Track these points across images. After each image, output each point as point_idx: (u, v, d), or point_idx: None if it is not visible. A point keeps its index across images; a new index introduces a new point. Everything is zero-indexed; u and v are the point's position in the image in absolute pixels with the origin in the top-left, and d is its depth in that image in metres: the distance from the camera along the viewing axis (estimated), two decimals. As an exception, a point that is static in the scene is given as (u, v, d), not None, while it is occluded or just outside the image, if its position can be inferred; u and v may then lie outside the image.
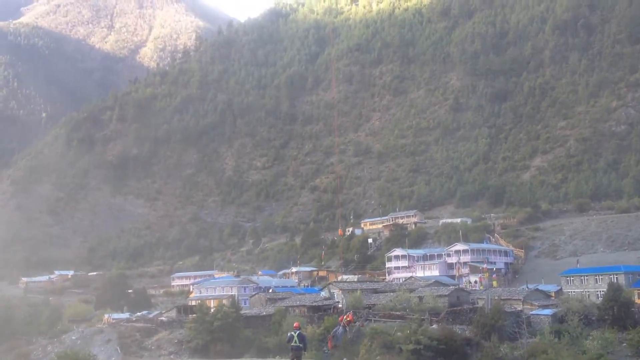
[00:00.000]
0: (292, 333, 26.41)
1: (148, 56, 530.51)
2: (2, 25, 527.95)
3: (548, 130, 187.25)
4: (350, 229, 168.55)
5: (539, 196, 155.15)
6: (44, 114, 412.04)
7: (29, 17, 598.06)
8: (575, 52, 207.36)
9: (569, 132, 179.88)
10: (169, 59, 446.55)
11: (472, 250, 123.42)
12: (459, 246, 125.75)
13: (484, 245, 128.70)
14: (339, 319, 38.15)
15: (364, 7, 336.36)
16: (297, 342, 26.10)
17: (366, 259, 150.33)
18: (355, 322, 35.27)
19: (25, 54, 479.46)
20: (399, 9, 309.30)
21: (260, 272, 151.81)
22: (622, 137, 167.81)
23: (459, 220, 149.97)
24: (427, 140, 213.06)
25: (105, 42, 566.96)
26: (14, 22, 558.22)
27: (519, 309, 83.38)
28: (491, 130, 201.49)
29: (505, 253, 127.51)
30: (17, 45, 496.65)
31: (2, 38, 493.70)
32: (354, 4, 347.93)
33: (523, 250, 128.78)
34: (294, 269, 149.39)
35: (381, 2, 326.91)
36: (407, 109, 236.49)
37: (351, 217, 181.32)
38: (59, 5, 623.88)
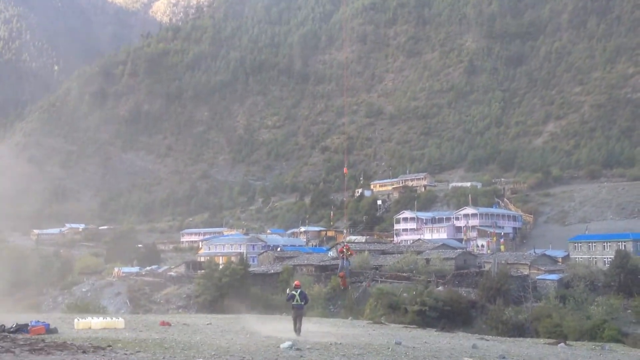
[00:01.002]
0: (294, 292, 26.58)
1: (161, 11, 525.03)
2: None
3: (563, 95, 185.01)
4: (360, 190, 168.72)
5: (551, 162, 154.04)
6: (56, 67, 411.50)
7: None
8: (593, 16, 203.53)
9: (584, 98, 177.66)
10: (182, 14, 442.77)
11: (481, 215, 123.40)
12: (468, 210, 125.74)
13: (493, 210, 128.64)
14: (339, 250, 38.98)
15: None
16: (299, 300, 26.27)
17: (375, 220, 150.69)
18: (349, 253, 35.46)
19: (39, 6, 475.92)
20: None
21: (269, 231, 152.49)
22: (637, 104, 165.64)
23: (468, 184, 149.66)
24: (440, 102, 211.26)
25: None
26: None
27: (526, 273, 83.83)
28: (505, 94, 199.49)
29: (514, 218, 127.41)
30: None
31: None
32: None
33: (532, 216, 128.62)
34: (302, 229, 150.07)
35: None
36: (420, 71, 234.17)
37: (361, 178, 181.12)
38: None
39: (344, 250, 35.60)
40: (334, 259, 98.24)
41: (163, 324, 31.71)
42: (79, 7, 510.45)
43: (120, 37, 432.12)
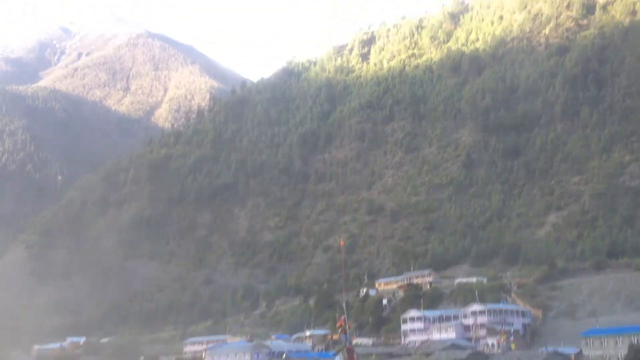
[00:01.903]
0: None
1: (163, 117, 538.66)
2: (21, 89, 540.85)
3: (562, 185, 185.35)
4: (364, 290, 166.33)
5: (555, 253, 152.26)
6: (59, 177, 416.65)
7: (47, 81, 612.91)
8: (586, 106, 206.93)
9: (583, 187, 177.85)
10: (183, 119, 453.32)
11: (489, 311, 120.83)
12: (476, 307, 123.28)
13: (501, 306, 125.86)
14: (338, 324, 38.63)
15: (375, 65, 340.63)
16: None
17: (381, 321, 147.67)
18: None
19: (43, 117, 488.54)
20: (409, 66, 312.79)
21: (273, 336, 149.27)
22: (637, 191, 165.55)
23: (474, 279, 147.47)
24: (440, 197, 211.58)
25: (121, 104, 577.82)
26: (32, 86, 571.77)
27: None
28: (504, 187, 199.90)
29: (523, 314, 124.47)
30: (35, 108, 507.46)
31: (21, 102, 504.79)
32: (365, 62, 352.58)
33: (541, 310, 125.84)
34: (307, 333, 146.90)
35: (392, 60, 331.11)
36: (419, 166, 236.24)
37: (365, 277, 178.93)
38: (76, 69, 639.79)
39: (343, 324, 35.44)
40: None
41: None
42: (82, 116, 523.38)
43: (123, 145, 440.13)
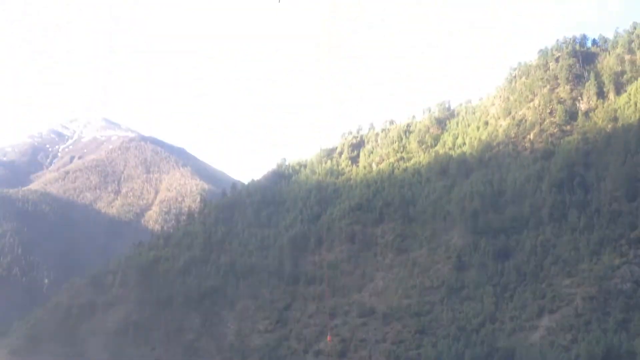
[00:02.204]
0: None
1: (153, 219, 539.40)
2: (11, 192, 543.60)
3: (553, 288, 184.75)
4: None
5: (550, 358, 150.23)
6: (46, 280, 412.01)
7: (38, 184, 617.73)
8: (573, 209, 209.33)
9: (575, 290, 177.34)
10: (173, 221, 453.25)
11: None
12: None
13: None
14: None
15: (364, 168, 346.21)
16: None
17: None
18: None
19: (32, 221, 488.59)
20: (398, 169, 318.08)
21: None
22: (628, 295, 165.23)
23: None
24: (432, 299, 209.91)
25: (112, 207, 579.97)
26: (23, 189, 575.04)
27: None
28: (496, 289, 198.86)
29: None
30: (25, 211, 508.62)
31: (11, 205, 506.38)
32: (354, 165, 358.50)
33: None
34: None
35: (381, 163, 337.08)
36: (410, 268, 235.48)
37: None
38: (68, 172, 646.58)
39: None
40: None
41: None
42: (71, 219, 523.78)
43: (113, 247, 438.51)
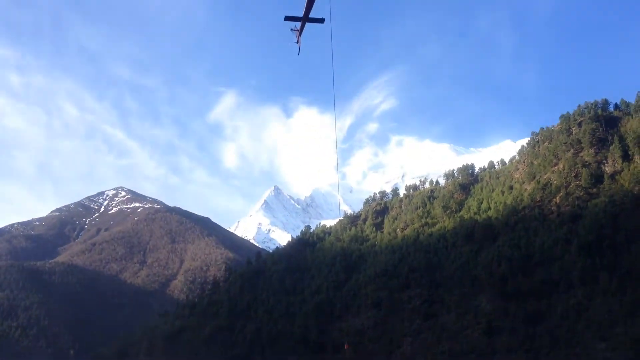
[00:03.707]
0: None
1: (178, 288, 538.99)
2: (38, 265, 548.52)
3: (588, 352, 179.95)
4: None
5: None
6: (72, 352, 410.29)
7: (64, 256, 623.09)
8: (604, 272, 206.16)
9: (610, 354, 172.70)
10: (198, 290, 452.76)
11: None
12: None
13: None
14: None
15: (389, 234, 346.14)
16: None
17: None
18: None
19: (58, 292, 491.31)
20: (423, 234, 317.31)
21: None
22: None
23: None
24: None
25: (137, 277, 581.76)
26: (50, 261, 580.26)
27: None
28: (528, 355, 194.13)
29: None
30: (51, 283, 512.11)
31: (38, 277, 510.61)
32: (379, 232, 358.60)
33: None
34: None
35: (405, 229, 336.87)
36: (438, 333, 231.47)
37: None
38: (94, 244, 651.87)
39: None
40: None
41: None
42: (97, 290, 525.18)
43: (138, 317, 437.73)
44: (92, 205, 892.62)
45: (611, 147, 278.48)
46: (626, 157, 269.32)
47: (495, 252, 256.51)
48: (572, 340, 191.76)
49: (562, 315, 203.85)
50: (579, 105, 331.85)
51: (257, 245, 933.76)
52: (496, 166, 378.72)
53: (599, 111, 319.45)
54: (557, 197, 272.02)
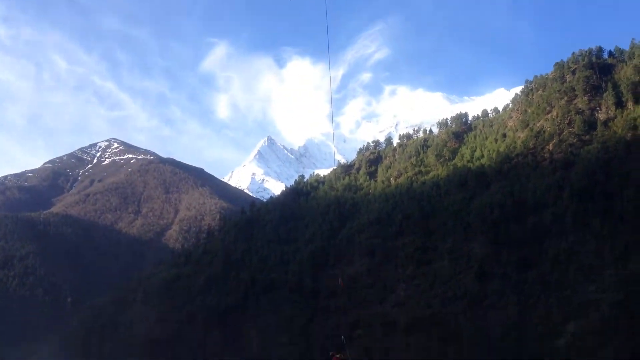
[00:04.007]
0: None
1: (173, 238, 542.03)
2: (33, 216, 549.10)
3: (578, 295, 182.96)
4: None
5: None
6: (69, 300, 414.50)
7: (59, 207, 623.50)
8: (596, 217, 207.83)
9: (601, 296, 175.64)
10: (193, 239, 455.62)
11: None
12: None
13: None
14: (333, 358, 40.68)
15: (383, 183, 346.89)
16: None
17: None
18: None
19: (54, 242, 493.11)
20: (416, 183, 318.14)
21: None
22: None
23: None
24: (455, 310, 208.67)
25: (132, 227, 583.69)
26: (44, 212, 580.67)
27: None
28: (520, 298, 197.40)
29: None
30: (47, 233, 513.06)
31: (33, 228, 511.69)
32: (372, 181, 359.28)
33: None
34: None
35: (399, 178, 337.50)
36: (431, 279, 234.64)
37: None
38: (88, 195, 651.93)
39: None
40: None
41: None
42: (92, 240, 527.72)
43: (134, 267, 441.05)
44: (84, 157, 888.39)
45: (605, 94, 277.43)
46: (620, 104, 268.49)
47: (488, 199, 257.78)
48: (563, 284, 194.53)
49: (553, 260, 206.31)
50: (573, 53, 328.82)
51: (251, 195, 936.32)
52: (490, 114, 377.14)
53: (593, 59, 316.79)
54: (550, 145, 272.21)
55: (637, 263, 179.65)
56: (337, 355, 39.84)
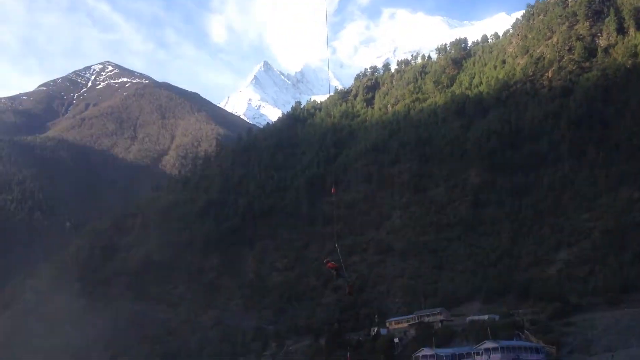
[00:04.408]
0: None
1: (170, 164, 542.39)
2: (29, 140, 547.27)
3: (571, 223, 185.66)
4: (375, 329, 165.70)
5: (567, 290, 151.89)
6: (68, 224, 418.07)
7: (54, 131, 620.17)
8: (592, 145, 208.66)
9: (593, 224, 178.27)
10: (190, 165, 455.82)
11: (503, 348, 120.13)
12: (489, 344, 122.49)
13: (515, 343, 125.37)
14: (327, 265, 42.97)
15: (380, 110, 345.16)
16: None
17: (393, 359, 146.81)
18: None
19: (51, 167, 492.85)
20: (414, 110, 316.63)
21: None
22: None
23: (486, 317, 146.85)
24: (449, 236, 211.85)
25: (129, 152, 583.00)
26: (40, 136, 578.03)
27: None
28: (513, 225, 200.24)
29: (537, 350, 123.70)
30: (43, 158, 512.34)
31: (29, 152, 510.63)
32: (369, 107, 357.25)
33: (554, 347, 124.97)
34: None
35: (396, 105, 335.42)
36: (427, 206, 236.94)
37: (376, 316, 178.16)
38: (84, 119, 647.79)
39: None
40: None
41: None
42: (89, 165, 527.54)
43: (131, 192, 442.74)
44: (79, 80, 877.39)
45: (606, 20, 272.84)
46: (621, 30, 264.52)
47: (485, 126, 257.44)
48: (557, 212, 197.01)
49: (548, 188, 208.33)
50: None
51: (247, 121, 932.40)
52: (490, 40, 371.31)
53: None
54: (550, 71, 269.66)
55: (630, 191, 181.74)
56: (331, 263, 41.04)
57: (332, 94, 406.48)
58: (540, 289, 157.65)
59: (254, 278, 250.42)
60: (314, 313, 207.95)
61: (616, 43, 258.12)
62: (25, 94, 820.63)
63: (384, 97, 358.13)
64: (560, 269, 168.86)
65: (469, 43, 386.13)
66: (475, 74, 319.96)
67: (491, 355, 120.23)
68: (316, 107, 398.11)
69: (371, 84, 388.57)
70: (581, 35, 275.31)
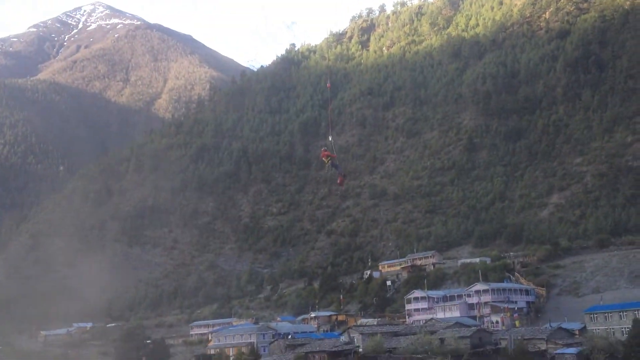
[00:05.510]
0: None
1: (163, 107, 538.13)
2: (20, 82, 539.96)
3: (564, 167, 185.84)
4: (368, 272, 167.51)
5: (558, 233, 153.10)
6: (61, 167, 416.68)
7: (46, 73, 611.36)
8: (587, 88, 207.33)
9: (586, 168, 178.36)
10: (183, 109, 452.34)
11: (493, 290, 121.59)
12: (479, 286, 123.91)
13: (505, 285, 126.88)
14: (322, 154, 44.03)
15: (375, 52, 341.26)
16: None
17: (385, 301, 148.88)
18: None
19: (43, 110, 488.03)
20: (409, 52, 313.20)
21: (278, 318, 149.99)
22: (639, 171, 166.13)
23: (477, 260, 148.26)
24: (443, 180, 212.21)
25: (121, 95, 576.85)
26: (32, 79, 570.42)
27: (543, 348, 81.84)
28: (506, 169, 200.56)
29: (527, 292, 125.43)
30: (35, 101, 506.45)
31: (20, 95, 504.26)
32: (364, 50, 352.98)
33: (544, 289, 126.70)
34: (312, 314, 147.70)
35: (392, 47, 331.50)
36: (421, 150, 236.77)
37: (369, 259, 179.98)
38: (75, 62, 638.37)
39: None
40: (346, 343, 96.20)
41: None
42: (82, 108, 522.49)
43: (124, 135, 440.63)
44: (69, 22, 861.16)
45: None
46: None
47: (481, 69, 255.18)
48: (550, 155, 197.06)
49: (542, 131, 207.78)
50: None
51: (241, 64, 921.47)
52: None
53: None
54: (547, 13, 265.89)
55: (623, 134, 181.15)
56: (327, 152, 41.85)
57: (327, 36, 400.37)
58: (532, 233, 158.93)
59: (248, 222, 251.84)
60: (307, 256, 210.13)
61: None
62: (15, 36, 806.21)
63: (379, 40, 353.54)
64: (552, 212, 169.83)
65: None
66: (472, 15, 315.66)
67: (481, 297, 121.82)
68: (311, 50, 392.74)
69: (366, 25, 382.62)
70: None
